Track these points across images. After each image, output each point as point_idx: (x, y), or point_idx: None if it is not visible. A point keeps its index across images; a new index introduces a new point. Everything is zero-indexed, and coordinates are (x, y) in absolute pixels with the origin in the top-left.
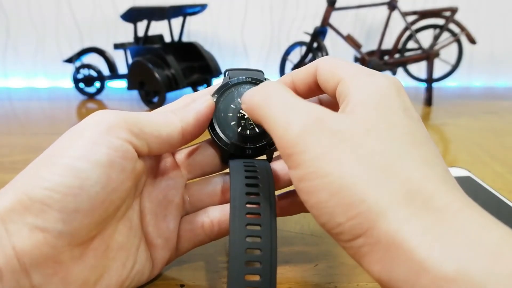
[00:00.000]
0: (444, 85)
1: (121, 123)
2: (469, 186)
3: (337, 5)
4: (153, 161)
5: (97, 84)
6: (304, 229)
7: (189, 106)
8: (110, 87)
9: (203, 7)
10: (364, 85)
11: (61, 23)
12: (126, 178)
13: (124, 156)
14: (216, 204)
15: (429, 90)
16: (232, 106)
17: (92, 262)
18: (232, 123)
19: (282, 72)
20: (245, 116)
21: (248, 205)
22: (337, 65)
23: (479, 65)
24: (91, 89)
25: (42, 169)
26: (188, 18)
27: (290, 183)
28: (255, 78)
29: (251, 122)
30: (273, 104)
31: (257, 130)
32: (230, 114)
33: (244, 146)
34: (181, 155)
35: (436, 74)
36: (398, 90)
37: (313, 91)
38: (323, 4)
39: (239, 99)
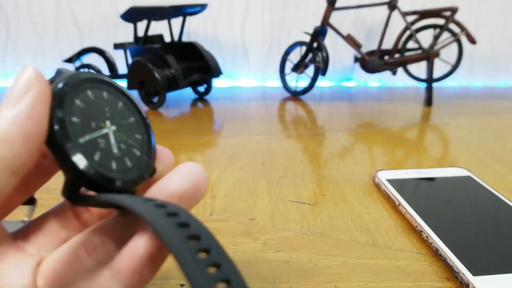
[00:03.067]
0: (444, 85)
1: None
2: (469, 186)
3: (337, 5)
4: None
5: None
6: (304, 229)
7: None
8: None
9: (203, 7)
10: None
11: (61, 23)
12: None
13: None
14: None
15: (429, 90)
16: (95, 111)
17: None
18: (91, 137)
19: (282, 72)
20: (110, 136)
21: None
22: None
23: (479, 65)
24: None
25: None
26: (188, 18)
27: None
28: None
29: (120, 146)
30: None
31: (128, 164)
32: (92, 122)
33: (111, 176)
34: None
35: (436, 74)
36: None
37: None
38: (323, 4)
39: (107, 109)
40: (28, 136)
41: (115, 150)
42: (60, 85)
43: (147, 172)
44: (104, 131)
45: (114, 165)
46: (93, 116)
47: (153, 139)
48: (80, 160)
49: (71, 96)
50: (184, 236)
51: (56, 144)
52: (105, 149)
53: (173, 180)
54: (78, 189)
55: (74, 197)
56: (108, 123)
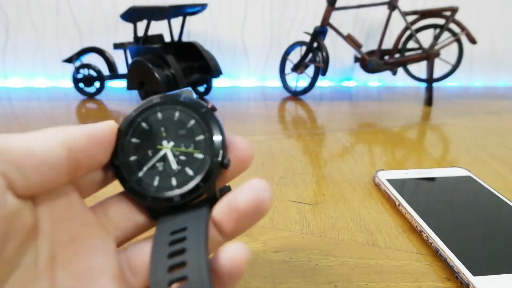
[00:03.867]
0: (444, 85)
1: None
2: (470, 186)
3: (337, 4)
4: (62, 215)
5: (97, 84)
6: (304, 229)
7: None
8: (110, 87)
9: (203, 7)
10: None
11: (60, 23)
12: None
13: None
14: None
15: (429, 90)
16: (151, 139)
17: None
18: (149, 166)
19: (282, 72)
20: (168, 155)
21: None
22: None
23: (480, 65)
24: (91, 89)
25: None
26: (188, 18)
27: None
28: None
29: (179, 159)
30: None
31: (189, 173)
32: (149, 151)
33: (170, 195)
34: (103, 207)
35: (436, 74)
36: None
37: None
38: (323, 4)
39: (162, 129)
40: (92, 133)
41: (174, 166)
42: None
43: (215, 172)
44: (162, 152)
45: (174, 181)
46: (149, 144)
47: (218, 134)
48: (137, 196)
49: (126, 140)
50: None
51: (123, 180)
52: (164, 170)
53: (240, 196)
54: (152, 212)
55: (151, 216)
56: (164, 142)
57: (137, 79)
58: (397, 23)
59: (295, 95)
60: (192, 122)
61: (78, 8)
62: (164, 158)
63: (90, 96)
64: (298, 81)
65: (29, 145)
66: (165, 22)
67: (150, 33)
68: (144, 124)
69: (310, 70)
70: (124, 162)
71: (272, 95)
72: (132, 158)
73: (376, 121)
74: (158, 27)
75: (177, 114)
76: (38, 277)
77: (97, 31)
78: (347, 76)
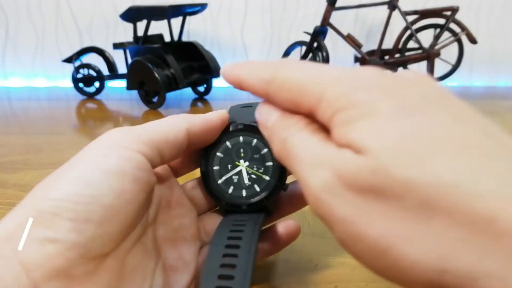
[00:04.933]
0: (444, 84)
1: (129, 135)
2: None
3: (338, 4)
4: (164, 189)
5: (97, 84)
6: (304, 229)
7: (199, 115)
8: (110, 87)
9: (203, 6)
10: (354, 100)
11: (60, 23)
12: (140, 189)
13: (136, 166)
14: None
15: None
16: (231, 156)
17: (106, 280)
18: (227, 177)
19: None
20: (243, 172)
21: (225, 257)
22: (306, 80)
23: (480, 65)
24: (91, 89)
25: (51, 184)
26: (188, 18)
27: (290, 237)
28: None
29: (250, 177)
30: (292, 152)
31: (257, 189)
32: (228, 165)
33: (240, 202)
34: (187, 187)
35: (436, 74)
36: (397, 83)
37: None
38: (323, 4)
39: (241, 150)
40: (206, 122)
41: (246, 181)
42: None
43: (276, 192)
44: (238, 168)
45: (244, 193)
46: (229, 160)
47: (281, 165)
48: (214, 198)
49: (213, 152)
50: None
51: (206, 183)
52: (238, 183)
53: (279, 227)
54: (222, 210)
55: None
56: (241, 161)
57: (137, 79)
58: (397, 23)
59: None
60: (265, 150)
61: (78, 8)
62: (239, 173)
63: (90, 96)
64: None
65: (163, 133)
66: (165, 22)
67: (150, 33)
68: (228, 144)
69: None
70: (209, 170)
71: None
72: (216, 167)
73: None
74: (158, 27)
75: (254, 141)
76: (147, 228)
77: (97, 31)
78: None
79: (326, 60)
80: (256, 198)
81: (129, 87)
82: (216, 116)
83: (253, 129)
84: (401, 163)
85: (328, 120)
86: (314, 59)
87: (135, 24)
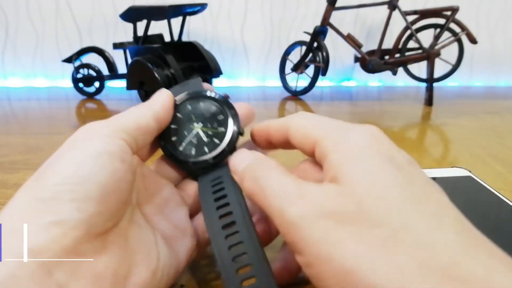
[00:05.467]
0: (444, 84)
1: (106, 125)
2: (470, 186)
3: (338, 4)
4: (140, 169)
5: (97, 84)
6: None
7: (151, 99)
8: (110, 87)
9: (203, 6)
10: (341, 146)
11: (60, 23)
12: (128, 169)
13: (120, 149)
14: None
15: (429, 90)
16: (185, 123)
17: (116, 254)
18: (186, 142)
19: (282, 72)
20: (200, 132)
21: (221, 219)
22: (308, 126)
23: (480, 64)
24: (91, 89)
25: (44, 174)
26: (188, 18)
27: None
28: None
29: (207, 134)
30: (266, 188)
31: (217, 141)
32: (185, 132)
33: (205, 159)
34: (156, 166)
35: (436, 74)
36: (377, 140)
37: (289, 145)
38: (323, 4)
39: (192, 116)
40: (163, 104)
41: (205, 139)
42: None
43: (235, 139)
44: (194, 131)
45: (206, 149)
46: (184, 127)
47: (233, 112)
48: (180, 164)
49: (168, 127)
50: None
51: (166, 150)
52: (198, 143)
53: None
54: (191, 173)
55: (191, 175)
56: (195, 124)
57: (137, 79)
58: (398, 23)
59: (295, 95)
60: (213, 108)
61: (78, 8)
62: (197, 135)
63: (90, 96)
64: (298, 81)
65: (136, 121)
66: (165, 22)
67: (150, 33)
68: (178, 114)
69: (310, 70)
70: (169, 142)
71: (272, 95)
72: (174, 138)
73: (376, 121)
74: (158, 27)
75: (201, 103)
76: (134, 209)
77: (96, 31)
78: (347, 76)
79: (326, 60)
80: (219, 149)
81: (129, 87)
82: (165, 95)
83: (196, 95)
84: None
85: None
86: (314, 59)
87: (135, 24)
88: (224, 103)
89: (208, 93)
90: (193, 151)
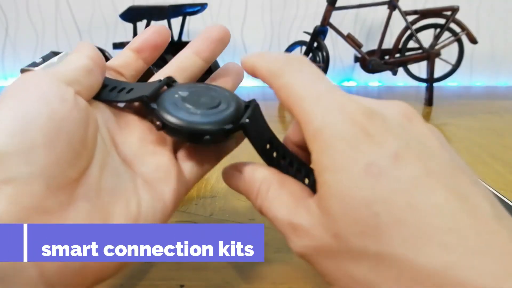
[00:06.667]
0: (444, 84)
1: (43, 74)
2: None
3: (338, 4)
4: (106, 113)
5: None
6: None
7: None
8: None
9: (203, 6)
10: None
11: (60, 23)
12: (72, 108)
13: (57, 88)
14: None
15: (429, 90)
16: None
17: (86, 207)
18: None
19: None
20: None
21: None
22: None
23: (480, 64)
24: None
25: None
26: (188, 18)
27: None
28: None
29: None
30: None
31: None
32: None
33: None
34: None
35: (436, 74)
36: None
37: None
38: (323, 4)
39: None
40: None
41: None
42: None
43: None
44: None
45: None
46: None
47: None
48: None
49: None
50: None
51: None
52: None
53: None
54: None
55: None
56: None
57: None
58: (398, 23)
59: None
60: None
61: (78, 8)
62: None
63: None
64: None
65: (67, 64)
66: (165, 21)
67: None
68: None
69: None
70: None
71: (272, 95)
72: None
73: None
74: None
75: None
76: (108, 153)
77: (96, 31)
78: (347, 76)
79: (326, 60)
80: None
81: None
82: (87, 44)
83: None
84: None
85: (309, 141)
86: (314, 59)
87: (135, 24)
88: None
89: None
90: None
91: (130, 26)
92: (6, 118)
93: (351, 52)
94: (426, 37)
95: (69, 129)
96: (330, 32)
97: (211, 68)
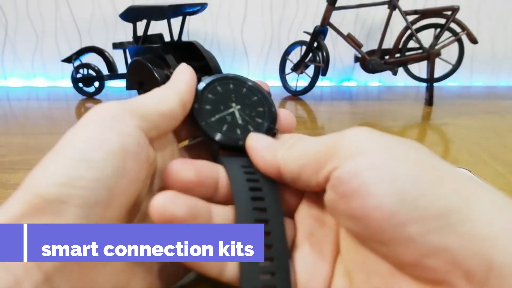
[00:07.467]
0: (445, 84)
1: (125, 109)
2: None
3: (338, 4)
4: (167, 155)
5: (96, 84)
6: None
7: (175, 77)
8: (109, 87)
9: (203, 6)
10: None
11: (60, 23)
12: (141, 167)
13: (136, 142)
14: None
15: (430, 90)
16: (223, 98)
17: (119, 265)
18: (220, 115)
19: (282, 72)
20: (235, 113)
21: (254, 211)
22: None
23: (480, 64)
24: (90, 89)
25: (51, 166)
26: (188, 18)
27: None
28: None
29: (243, 118)
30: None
31: (251, 129)
32: (221, 106)
33: (235, 137)
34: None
35: (437, 74)
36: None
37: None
38: (323, 4)
39: (232, 95)
40: (188, 83)
41: (240, 121)
42: (200, 86)
43: (269, 133)
44: (231, 109)
45: (238, 131)
46: (221, 101)
47: (273, 109)
48: (207, 135)
49: (205, 93)
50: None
51: (195, 122)
52: (231, 122)
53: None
54: (217, 152)
55: (214, 158)
56: (233, 104)
57: (137, 78)
58: (398, 23)
59: (295, 95)
60: (255, 98)
61: (78, 8)
62: (232, 114)
63: (90, 96)
64: (298, 81)
65: (158, 106)
66: (165, 22)
67: (149, 32)
68: (219, 88)
69: (310, 70)
70: (201, 108)
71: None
72: (207, 107)
73: (376, 121)
74: (158, 27)
75: (244, 89)
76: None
77: (96, 31)
78: (347, 76)
79: (326, 60)
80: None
81: (129, 87)
82: (188, 72)
83: (242, 80)
84: None
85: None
86: (314, 59)
87: (134, 24)
88: (266, 98)
89: (252, 83)
90: (224, 127)
91: (130, 26)
92: (81, 164)
93: (351, 52)
94: (426, 37)
95: (131, 190)
96: (330, 32)
97: (211, 68)
